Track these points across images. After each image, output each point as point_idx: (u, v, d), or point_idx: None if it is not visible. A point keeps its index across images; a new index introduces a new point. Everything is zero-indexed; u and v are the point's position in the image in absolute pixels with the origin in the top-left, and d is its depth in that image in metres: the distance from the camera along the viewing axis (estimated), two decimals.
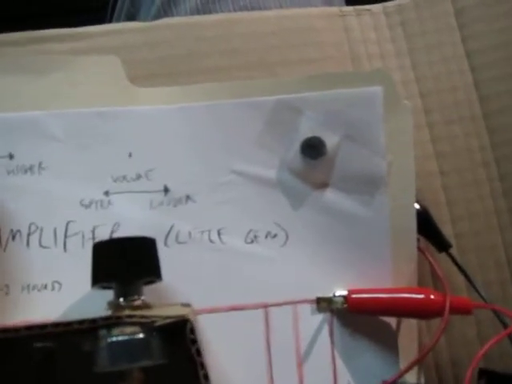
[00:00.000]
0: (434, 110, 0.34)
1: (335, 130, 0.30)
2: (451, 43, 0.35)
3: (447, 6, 0.35)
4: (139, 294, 0.26)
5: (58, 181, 0.30)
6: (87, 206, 0.30)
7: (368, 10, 0.35)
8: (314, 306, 0.30)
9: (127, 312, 0.25)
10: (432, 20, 0.35)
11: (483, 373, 0.28)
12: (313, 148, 0.30)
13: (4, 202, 0.30)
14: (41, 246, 0.29)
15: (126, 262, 0.25)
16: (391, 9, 0.35)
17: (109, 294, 0.26)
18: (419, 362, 0.29)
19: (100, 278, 0.26)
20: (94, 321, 0.24)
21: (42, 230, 0.30)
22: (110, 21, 0.44)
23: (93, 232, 0.30)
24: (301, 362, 0.29)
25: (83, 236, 0.30)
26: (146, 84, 0.31)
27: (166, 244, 0.30)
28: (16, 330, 0.23)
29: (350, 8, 0.35)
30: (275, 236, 0.30)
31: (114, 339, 0.24)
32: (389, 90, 0.30)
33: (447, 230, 0.32)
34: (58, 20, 0.37)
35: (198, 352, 0.24)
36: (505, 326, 0.29)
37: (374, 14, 0.35)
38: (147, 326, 0.24)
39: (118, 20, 0.42)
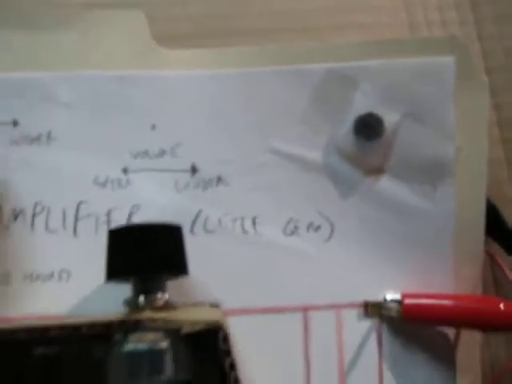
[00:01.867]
0: (502, 88, 0.30)
1: (396, 106, 0.27)
2: None
3: None
4: (163, 291, 0.22)
5: (68, 154, 0.27)
6: (102, 185, 0.27)
7: None
8: (361, 311, 0.27)
9: (148, 313, 0.21)
10: None
11: None
12: (368, 127, 0.27)
13: (6, 176, 0.26)
14: (47, 229, 0.26)
15: (147, 253, 0.21)
16: None
17: (126, 288, 0.22)
18: None
19: (116, 271, 0.22)
20: (108, 324, 0.20)
21: (48, 210, 0.26)
22: None
23: (108, 215, 0.26)
24: (344, 374, 0.26)
25: (97, 219, 0.26)
26: (174, 45, 0.28)
27: (192, 231, 0.27)
28: (12, 331, 0.19)
29: None
30: (318, 228, 0.27)
31: (132, 347, 0.20)
32: (463, 61, 0.27)
33: None
34: None
35: (232, 365, 0.20)
36: None
37: None
38: (172, 332, 0.20)
39: None
